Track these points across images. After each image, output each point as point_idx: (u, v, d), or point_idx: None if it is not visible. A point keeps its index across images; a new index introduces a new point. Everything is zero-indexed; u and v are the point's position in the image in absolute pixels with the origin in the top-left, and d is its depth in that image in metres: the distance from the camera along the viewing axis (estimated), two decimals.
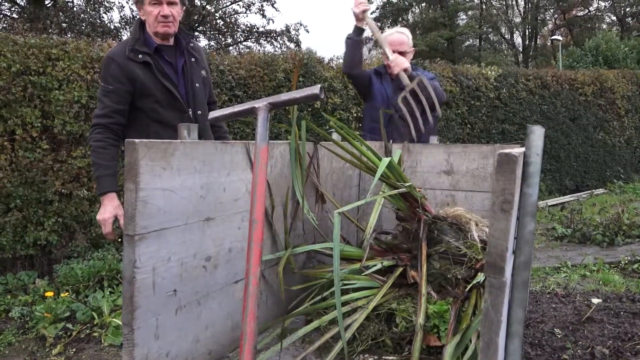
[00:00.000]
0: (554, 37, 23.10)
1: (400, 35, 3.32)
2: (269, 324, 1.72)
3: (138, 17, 2.58)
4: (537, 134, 1.17)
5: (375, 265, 1.70)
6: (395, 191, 1.69)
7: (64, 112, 4.76)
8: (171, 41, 2.57)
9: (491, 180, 2.27)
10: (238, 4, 20.76)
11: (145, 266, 1.22)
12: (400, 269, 1.66)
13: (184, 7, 2.61)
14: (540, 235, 6.26)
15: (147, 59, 2.42)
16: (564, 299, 3.82)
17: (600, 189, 10.30)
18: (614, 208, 7.32)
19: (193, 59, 2.60)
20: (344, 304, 1.56)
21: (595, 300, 3.56)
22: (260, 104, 1.34)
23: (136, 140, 1.18)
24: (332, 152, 2.08)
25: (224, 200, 1.52)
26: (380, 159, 1.77)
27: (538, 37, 33.50)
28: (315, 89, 1.22)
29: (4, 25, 15.17)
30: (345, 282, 1.65)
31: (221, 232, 1.51)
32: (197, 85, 2.58)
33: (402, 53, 3.23)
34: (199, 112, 2.56)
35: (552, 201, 8.71)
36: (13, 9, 16.46)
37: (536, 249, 5.59)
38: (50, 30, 11.80)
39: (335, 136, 2.20)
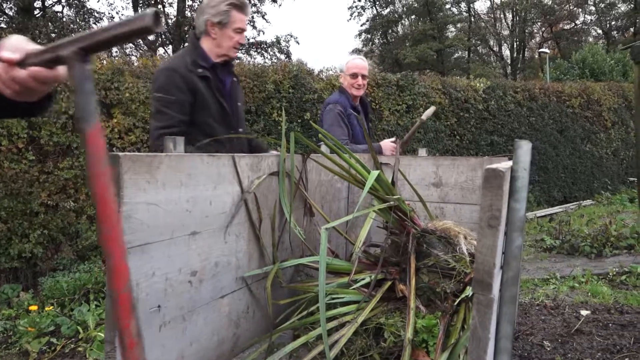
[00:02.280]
0: (541, 50, 23.43)
1: (363, 62, 3.63)
2: (256, 339, 1.69)
3: (193, 31, 2.63)
4: (524, 149, 1.16)
5: (363, 279, 1.68)
6: (384, 205, 1.67)
7: (51, 123, 4.73)
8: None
9: (480, 194, 2.26)
10: None
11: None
12: (389, 283, 1.64)
13: None
14: (529, 246, 6.28)
15: (207, 74, 2.48)
16: (553, 310, 3.82)
17: (588, 200, 10.40)
18: (602, 219, 7.38)
19: (235, 79, 2.71)
20: (331, 318, 1.54)
21: (584, 312, 3.57)
22: (67, 50, 0.85)
23: (120, 153, 1.16)
24: (320, 165, 2.06)
25: (210, 214, 1.50)
26: (369, 172, 1.75)
27: (526, 49, 33.96)
28: (146, 17, 0.78)
29: None
30: (333, 296, 1.63)
31: (207, 246, 1.49)
32: (239, 104, 2.69)
33: (364, 77, 3.53)
34: (240, 129, 2.67)
35: (540, 212, 8.76)
36: (1, 18, 16.37)
37: (525, 261, 5.60)
38: (39, 41, 11.72)
39: (324, 148, 2.19)
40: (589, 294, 4.18)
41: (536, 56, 32.79)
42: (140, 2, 19.22)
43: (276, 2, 20.96)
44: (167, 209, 1.31)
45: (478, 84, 8.90)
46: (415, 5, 31.01)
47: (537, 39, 34.50)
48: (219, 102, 2.51)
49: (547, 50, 22.11)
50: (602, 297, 4.04)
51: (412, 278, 1.57)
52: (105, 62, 5.47)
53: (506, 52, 34.40)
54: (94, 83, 0.90)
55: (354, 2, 32.06)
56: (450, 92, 8.36)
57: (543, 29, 33.96)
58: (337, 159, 1.89)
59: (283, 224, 1.88)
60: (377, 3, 31.87)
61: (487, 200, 0.95)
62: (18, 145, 4.56)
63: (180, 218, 1.37)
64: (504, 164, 1.13)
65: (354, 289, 1.66)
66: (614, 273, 4.63)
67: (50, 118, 4.73)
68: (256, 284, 1.74)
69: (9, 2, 15.40)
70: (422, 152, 2.68)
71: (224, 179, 1.55)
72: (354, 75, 3.46)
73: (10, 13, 16.00)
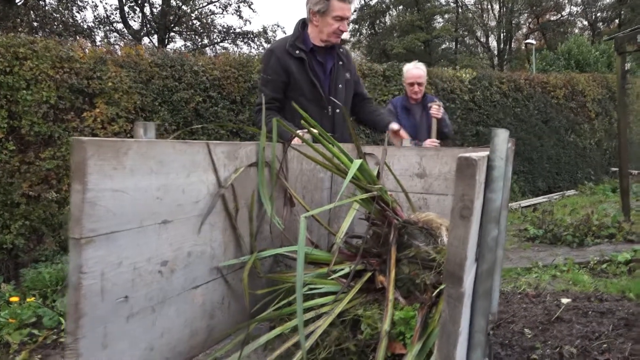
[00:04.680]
0: (527, 41, 23.52)
1: (418, 71, 4.23)
2: (231, 330, 1.66)
3: (302, 18, 2.82)
4: (501, 138, 1.13)
5: (342, 270, 1.65)
6: (366, 195, 1.64)
7: (32, 113, 4.66)
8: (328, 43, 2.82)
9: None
10: (214, 5, 20.61)
11: (92, 271, 1.16)
12: (369, 274, 1.62)
13: None
14: (513, 236, 6.34)
15: (302, 56, 2.69)
16: (535, 299, 3.86)
17: (571, 190, 10.52)
18: (585, 209, 7.47)
19: (341, 62, 2.84)
20: (309, 309, 1.52)
21: (564, 300, 3.61)
22: None
23: (84, 138, 1.13)
24: (302, 154, 2.02)
25: (183, 202, 1.46)
26: (351, 161, 1.71)
27: (513, 40, 34.07)
28: None
29: None
30: (311, 286, 1.61)
31: (180, 235, 1.45)
32: (339, 86, 2.83)
33: (420, 84, 4.18)
34: (338, 110, 2.80)
35: (525, 202, 8.84)
36: None
37: (509, 250, 5.66)
38: (20, 29, 11.53)
39: (307, 137, 2.18)
40: (570, 282, 4.24)
41: (523, 47, 32.94)
42: None
43: None
44: (135, 196, 1.27)
45: (464, 75, 8.93)
46: None
47: (524, 30, 34.62)
48: (312, 82, 2.71)
49: (533, 42, 22.20)
50: (583, 285, 4.10)
51: (391, 269, 1.56)
52: (87, 50, 5.39)
53: (493, 43, 34.49)
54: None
55: None
56: (436, 82, 8.37)
57: (530, 20, 34.08)
58: (320, 148, 1.86)
59: (262, 214, 1.85)
60: None
61: (459, 190, 0.92)
62: None
63: (150, 206, 1.32)
64: (480, 153, 1.09)
65: (332, 279, 1.64)
66: (595, 262, 4.70)
67: (32, 107, 4.65)
68: (232, 274, 1.71)
69: None
70: (406, 142, 2.68)
71: (198, 166, 1.51)
72: (411, 84, 4.19)
73: None
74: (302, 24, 2.80)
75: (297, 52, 2.70)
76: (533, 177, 10.13)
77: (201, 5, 20.48)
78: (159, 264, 1.37)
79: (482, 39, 34.64)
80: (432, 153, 2.47)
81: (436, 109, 4.03)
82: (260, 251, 1.78)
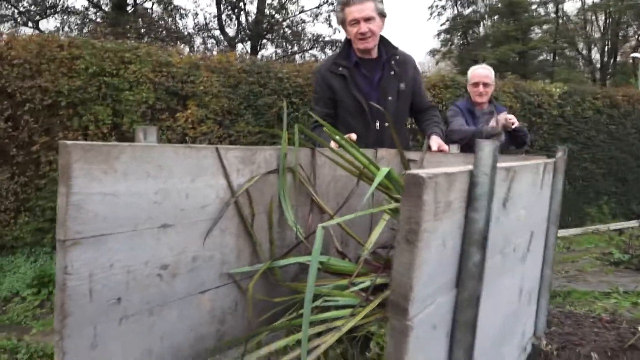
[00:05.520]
0: (634, 55, 21.92)
1: (485, 70, 4.02)
2: (239, 338, 1.61)
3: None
4: (486, 151, 1.02)
5: (363, 282, 1.54)
6: (394, 205, 1.52)
7: (132, 112, 5.15)
8: (374, 54, 2.78)
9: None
10: (306, 13, 21.22)
11: (79, 272, 1.17)
12: None
13: (384, 18, 2.76)
14: (596, 259, 6.02)
15: (344, 72, 2.71)
16: (609, 324, 3.67)
17: None
18: None
19: (392, 72, 2.77)
20: (321, 322, 1.43)
21: None
22: None
23: (69, 142, 1.14)
24: (329, 159, 1.96)
25: (187, 207, 1.45)
26: (378, 168, 1.62)
27: (618, 54, 31.82)
28: None
29: (90, 28, 16.33)
30: (327, 298, 1.50)
31: (182, 239, 1.44)
32: (390, 98, 2.76)
33: (485, 85, 3.94)
34: (386, 124, 2.70)
35: (615, 225, 8.31)
36: (98, 13, 17.67)
37: (588, 273, 5.39)
38: (129, 35, 12.61)
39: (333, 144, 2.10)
40: None
41: (630, 61, 30.67)
42: (223, 0, 20.00)
43: None
44: (129, 200, 1.27)
45: (554, 89, 8.56)
46: (499, 5, 29.93)
47: (632, 42, 32.22)
48: (355, 98, 2.71)
49: (639, 55, 20.66)
50: None
51: None
52: (183, 56, 5.86)
53: (596, 56, 32.42)
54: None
55: (435, 1, 31.44)
56: (522, 96, 8.11)
57: (639, 32, 31.67)
58: (346, 155, 1.80)
59: (285, 221, 1.81)
60: (459, 3, 31.09)
61: (405, 212, 0.81)
62: (103, 131, 5.01)
63: (146, 210, 1.32)
64: (461, 168, 1.02)
65: (352, 291, 1.52)
66: None
67: (132, 107, 5.15)
68: (247, 280, 1.68)
69: None
70: (454, 148, 2.62)
71: (205, 171, 1.49)
72: (476, 84, 3.95)
73: (106, 9, 17.24)
74: (347, 40, 2.80)
75: (340, 69, 2.72)
76: (627, 200, 9.46)
77: (293, 14, 21.19)
78: (157, 267, 1.37)
79: (583, 52, 32.68)
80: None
81: (510, 117, 3.66)
82: (276, 259, 1.74)
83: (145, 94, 5.21)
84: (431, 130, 2.84)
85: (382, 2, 2.72)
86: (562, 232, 7.96)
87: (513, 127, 3.71)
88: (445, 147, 2.65)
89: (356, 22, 2.66)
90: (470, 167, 1.02)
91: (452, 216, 0.95)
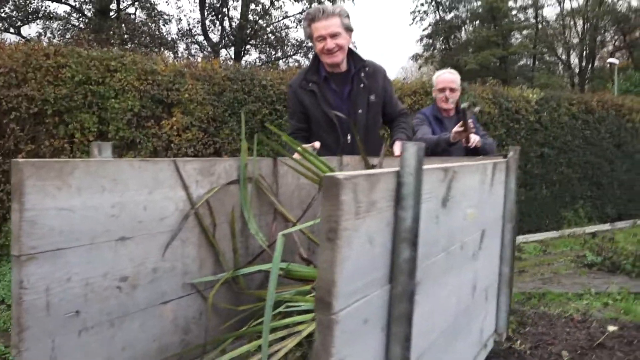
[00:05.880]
0: (610, 60, 22.45)
1: (451, 75, 3.85)
2: (200, 346, 1.64)
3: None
4: (410, 152, 1.06)
5: None
6: None
7: (118, 119, 5.20)
8: (343, 67, 2.80)
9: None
10: (289, 19, 21.36)
11: (35, 287, 1.19)
12: None
13: (351, 32, 2.77)
14: (570, 261, 6.22)
15: (314, 88, 2.76)
16: (580, 324, 3.84)
17: None
18: None
19: (362, 85, 2.79)
20: (284, 327, 1.48)
21: (610, 328, 3.58)
22: None
23: (20, 160, 1.17)
24: (290, 167, 2.01)
25: (145, 219, 1.46)
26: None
27: (596, 59, 32.51)
28: None
29: (72, 34, 16.25)
30: (290, 303, 1.56)
31: (141, 251, 1.45)
32: (359, 111, 2.79)
33: (452, 90, 3.77)
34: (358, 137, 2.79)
35: (591, 228, 8.55)
36: (81, 19, 17.58)
37: (563, 275, 5.58)
38: (112, 41, 12.59)
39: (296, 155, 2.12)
40: (622, 311, 4.16)
41: (607, 66, 31.35)
42: (207, 6, 20.05)
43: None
44: (85, 214, 1.29)
45: (531, 95, 8.80)
46: (480, 11, 30.42)
47: (610, 47, 32.94)
48: (325, 113, 2.74)
49: (615, 61, 21.17)
50: (635, 315, 4.02)
51: None
52: (168, 64, 5.93)
53: (575, 61, 33.07)
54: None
55: (417, 6, 31.82)
56: (500, 102, 8.32)
57: (616, 37, 32.40)
58: (306, 162, 1.86)
59: (249, 230, 1.85)
60: (441, 8, 31.52)
61: (325, 211, 0.86)
62: (89, 138, 5.03)
63: (103, 223, 1.34)
64: (387, 169, 1.07)
65: (313, 296, 1.54)
66: None
67: (118, 114, 5.20)
68: (211, 290, 1.70)
69: (88, 4, 16.53)
70: None
71: (162, 184, 1.51)
72: (442, 90, 3.78)
73: (89, 14, 17.15)
74: (316, 55, 2.81)
75: (310, 84, 2.75)
76: (602, 203, 9.74)
77: (277, 20, 21.30)
78: (117, 279, 1.39)
79: (562, 57, 33.32)
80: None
81: (472, 142, 3.43)
82: (239, 268, 1.77)
83: (131, 102, 5.27)
84: (396, 136, 2.90)
85: (348, 16, 2.73)
86: (539, 236, 8.17)
87: (472, 146, 3.55)
88: None
89: (322, 38, 2.67)
90: (397, 168, 1.07)
91: (378, 215, 0.99)
